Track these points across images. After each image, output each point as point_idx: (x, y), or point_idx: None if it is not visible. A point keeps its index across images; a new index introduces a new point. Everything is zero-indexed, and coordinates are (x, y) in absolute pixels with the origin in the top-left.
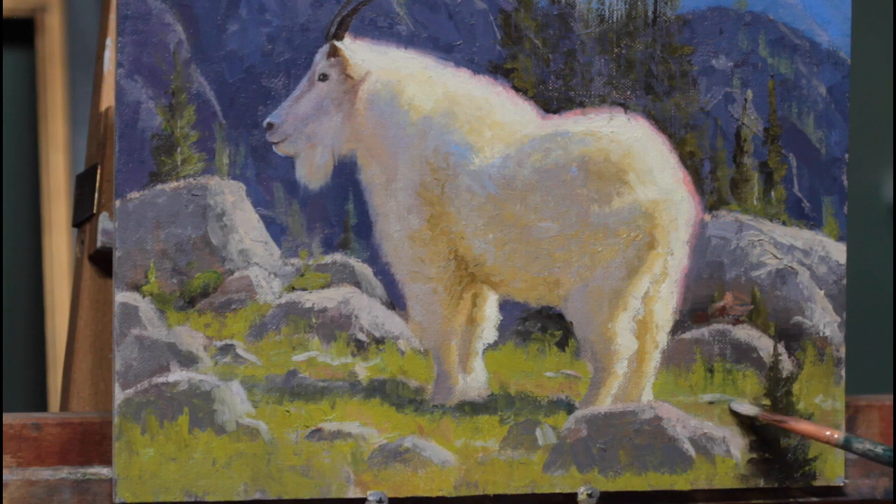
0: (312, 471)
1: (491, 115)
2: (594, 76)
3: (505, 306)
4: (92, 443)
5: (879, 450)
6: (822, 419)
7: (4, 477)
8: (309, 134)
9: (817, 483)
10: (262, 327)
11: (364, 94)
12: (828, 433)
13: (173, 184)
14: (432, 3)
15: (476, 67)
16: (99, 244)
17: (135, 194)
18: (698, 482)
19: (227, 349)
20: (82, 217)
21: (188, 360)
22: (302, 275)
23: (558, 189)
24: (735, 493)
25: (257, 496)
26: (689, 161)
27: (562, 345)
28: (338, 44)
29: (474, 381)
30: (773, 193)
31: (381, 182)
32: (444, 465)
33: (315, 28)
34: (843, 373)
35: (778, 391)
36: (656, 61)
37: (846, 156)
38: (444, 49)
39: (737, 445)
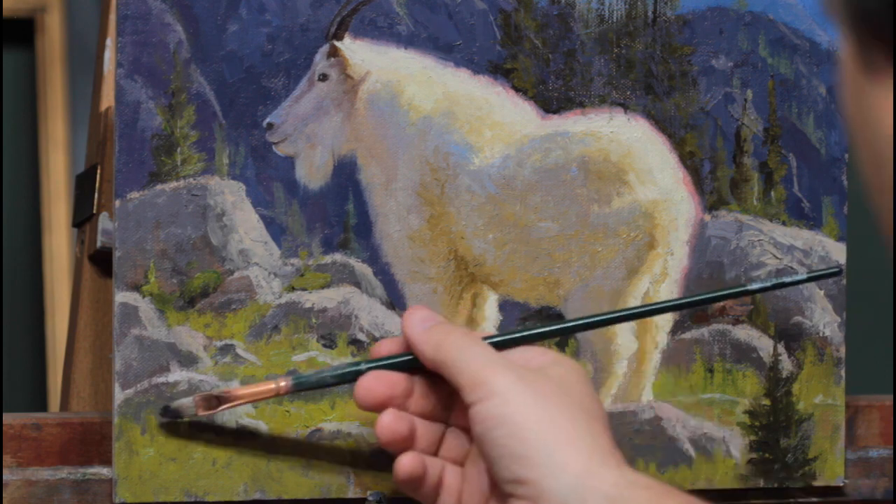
0: (312, 471)
1: (491, 115)
2: (594, 76)
3: (505, 306)
4: (92, 443)
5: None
6: (822, 419)
7: (4, 477)
8: (309, 134)
9: (817, 483)
10: (261, 327)
11: (364, 94)
12: (273, 385)
13: (173, 184)
14: (432, 3)
15: (476, 67)
16: (99, 244)
17: (135, 194)
18: (698, 482)
19: (227, 349)
20: (82, 217)
21: (188, 360)
22: (302, 275)
23: (558, 189)
24: (735, 493)
25: (257, 496)
26: (689, 161)
27: (562, 345)
28: (338, 44)
29: None
30: (773, 193)
31: (381, 182)
32: None
33: (315, 28)
34: (843, 373)
35: (778, 391)
36: (656, 61)
37: (846, 156)
38: (444, 49)
39: (737, 445)
